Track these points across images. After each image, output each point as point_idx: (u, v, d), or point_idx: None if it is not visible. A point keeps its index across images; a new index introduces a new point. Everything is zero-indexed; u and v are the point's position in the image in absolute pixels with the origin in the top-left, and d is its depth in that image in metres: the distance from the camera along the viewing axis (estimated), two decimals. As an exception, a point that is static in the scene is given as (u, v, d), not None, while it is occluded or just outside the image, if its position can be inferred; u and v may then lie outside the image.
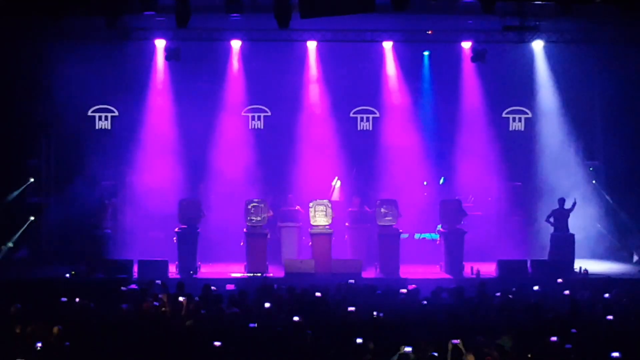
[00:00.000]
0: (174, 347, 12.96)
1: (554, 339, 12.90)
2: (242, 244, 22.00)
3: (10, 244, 23.05)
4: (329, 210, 21.90)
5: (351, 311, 15.14)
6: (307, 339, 13.22)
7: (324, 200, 22.21)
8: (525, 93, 25.18)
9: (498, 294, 17.08)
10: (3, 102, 23.22)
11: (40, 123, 24.20)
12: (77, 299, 16.00)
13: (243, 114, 25.09)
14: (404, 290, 17.34)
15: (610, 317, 14.70)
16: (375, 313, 14.88)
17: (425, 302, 16.10)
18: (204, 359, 12.67)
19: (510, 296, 16.98)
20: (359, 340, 12.75)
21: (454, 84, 24.97)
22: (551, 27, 22.68)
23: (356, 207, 22.93)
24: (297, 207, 22.97)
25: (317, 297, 16.19)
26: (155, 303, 15.61)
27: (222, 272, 21.74)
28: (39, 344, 12.64)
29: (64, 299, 16.16)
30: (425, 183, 24.79)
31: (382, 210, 21.95)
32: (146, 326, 13.92)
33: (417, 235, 24.44)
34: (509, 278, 19.95)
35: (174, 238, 21.80)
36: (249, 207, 21.83)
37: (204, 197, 23.73)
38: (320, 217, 21.85)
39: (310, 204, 22.01)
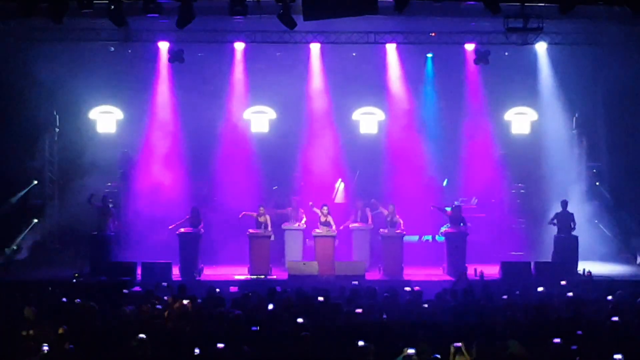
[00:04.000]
0: (174, 349, 12.96)
1: (557, 340, 12.88)
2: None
3: (14, 247, 23.08)
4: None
5: (357, 313, 15.12)
6: (307, 340, 13.20)
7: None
8: (528, 95, 25.18)
9: (505, 297, 17.07)
10: (6, 104, 23.26)
11: (43, 125, 24.24)
12: (78, 300, 15.96)
13: (246, 116, 25.10)
14: (410, 288, 17.40)
15: (614, 318, 14.68)
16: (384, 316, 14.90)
17: (426, 305, 16.06)
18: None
19: (515, 295, 17.03)
20: (360, 343, 12.74)
21: (457, 86, 24.96)
22: (554, 29, 22.65)
23: (358, 209, 22.90)
24: (302, 211, 22.90)
25: (320, 300, 16.17)
26: (158, 306, 15.59)
27: (225, 274, 21.74)
28: (46, 347, 12.63)
29: (65, 299, 16.21)
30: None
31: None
32: (146, 329, 13.87)
33: (424, 238, 24.43)
34: (512, 280, 19.94)
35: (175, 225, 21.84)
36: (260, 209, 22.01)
37: (207, 199, 23.76)
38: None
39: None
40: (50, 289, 17.88)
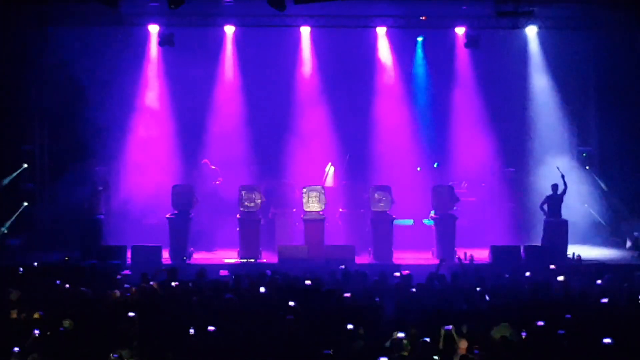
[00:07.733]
0: (166, 332, 13.00)
1: (540, 323, 12.97)
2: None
3: (4, 230, 23.04)
4: (322, 197, 21.88)
5: (346, 297, 15.15)
6: (292, 324, 13.22)
7: (317, 187, 22.21)
8: (518, 79, 25.15)
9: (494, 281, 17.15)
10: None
11: (34, 108, 24.15)
12: (67, 285, 15.96)
13: (236, 99, 25.02)
14: (399, 273, 17.45)
15: (603, 300, 14.77)
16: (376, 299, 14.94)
17: (414, 289, 16.11)
18: (198, 344, 12.68)
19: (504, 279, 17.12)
20: (349, 326, 12.78)
21: (448, 70, 24.98)
22: (545, 13, 22.67)
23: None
24: (292, 195, 22.88)
25: (309, 283, 16.21)
26: (126, 285, 15.78)
27: (215, 257, 21.75)
28: (37, 331, 12.66)
29: (58, 282, 16.24)
30: (418, 169, 24.78)
31: (376, 196, 21.95)
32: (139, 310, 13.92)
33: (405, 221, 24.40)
34: (502, 264, 19.99)
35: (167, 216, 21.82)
36: (242, 193, 21.84)
37: (197, 183, 23.72)
38: (313, 202, 21.84)
39: (304, 190, 21.99)
40: (40, 272, 17.89)
